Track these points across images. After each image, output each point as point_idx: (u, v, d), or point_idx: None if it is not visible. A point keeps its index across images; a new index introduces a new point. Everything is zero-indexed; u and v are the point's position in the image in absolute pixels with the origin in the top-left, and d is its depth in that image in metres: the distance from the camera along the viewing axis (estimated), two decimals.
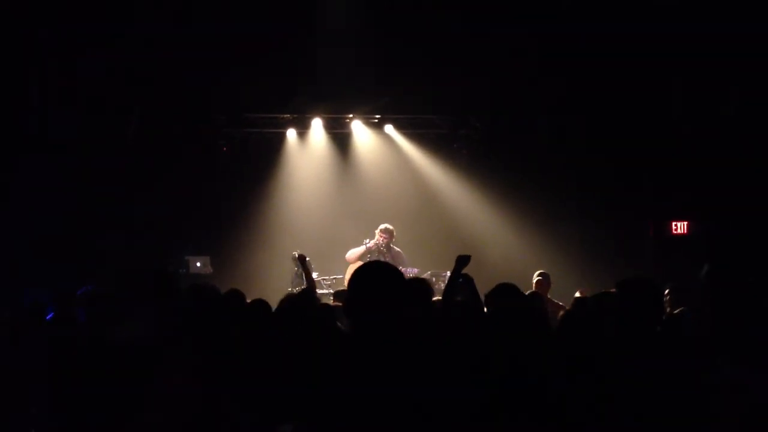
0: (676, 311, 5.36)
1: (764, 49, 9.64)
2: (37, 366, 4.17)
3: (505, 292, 4.78)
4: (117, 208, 10.53)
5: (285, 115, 11.99)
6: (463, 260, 5.12)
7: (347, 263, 10.18)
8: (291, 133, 12.14)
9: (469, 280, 5.03)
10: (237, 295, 5.08)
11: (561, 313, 4.77)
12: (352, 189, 12.12)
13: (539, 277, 8.15)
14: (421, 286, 4.72)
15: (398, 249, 10.20)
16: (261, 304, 4.86)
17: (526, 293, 6.02)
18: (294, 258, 10.19)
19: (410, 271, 10.03)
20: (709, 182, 10.67)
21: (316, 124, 12.11)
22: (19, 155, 10.02)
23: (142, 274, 3.83)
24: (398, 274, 2.96)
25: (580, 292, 7.74)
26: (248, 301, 5.07)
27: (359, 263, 6.61)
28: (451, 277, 5.20)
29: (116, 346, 3.49)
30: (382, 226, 10.12)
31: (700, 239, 10.83)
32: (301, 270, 10.06)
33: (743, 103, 10.33)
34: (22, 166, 10.01)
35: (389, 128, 12.17)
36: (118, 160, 10.64)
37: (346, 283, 8.04)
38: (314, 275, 10.17)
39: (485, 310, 4.72)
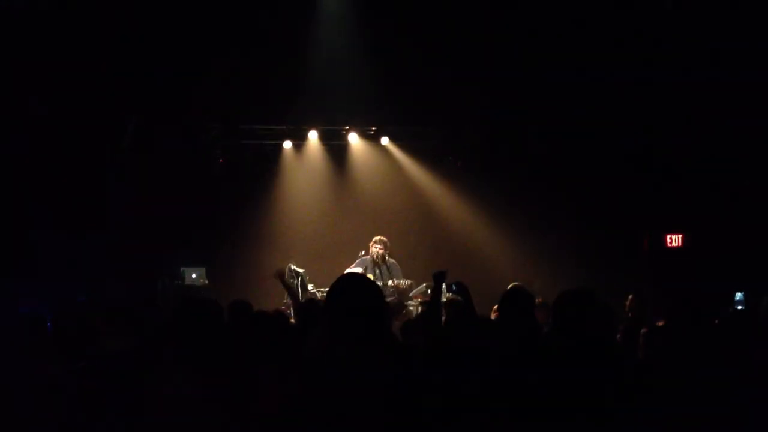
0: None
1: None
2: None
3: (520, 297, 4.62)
4: (112, 219, 10.51)
5: (281, 127, 12.01)
6: (439, 277, 4.83)
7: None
8: (287, 145, 12.16)
9: (463, 289, 4.81)
10: (244, 306, 5.05)
11: None
12: (348, 200, 12.13)
13: None
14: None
15: (393, 260, 10.20)
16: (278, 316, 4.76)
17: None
18: (289, 269, 10.19)
19: (404, 283, 10.03)
20: (704, 195, 10.70)
21: (313, 136, 12.13)
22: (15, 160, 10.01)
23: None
24: (374, 287, 2.95)
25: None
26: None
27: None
28: (431, 297, 4.91)
29: (110, 356, 3.49)
30: (376, 238, 10.12)
31: (695, 252, 10.85)
32: (297, 281, 10.08)
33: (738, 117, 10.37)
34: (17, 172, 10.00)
35: (385, 140, 12.20)
36: (114, 169, 10.63)
37: None
38: (310, 287, 10.20)
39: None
